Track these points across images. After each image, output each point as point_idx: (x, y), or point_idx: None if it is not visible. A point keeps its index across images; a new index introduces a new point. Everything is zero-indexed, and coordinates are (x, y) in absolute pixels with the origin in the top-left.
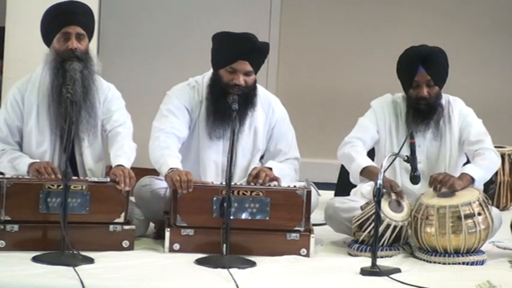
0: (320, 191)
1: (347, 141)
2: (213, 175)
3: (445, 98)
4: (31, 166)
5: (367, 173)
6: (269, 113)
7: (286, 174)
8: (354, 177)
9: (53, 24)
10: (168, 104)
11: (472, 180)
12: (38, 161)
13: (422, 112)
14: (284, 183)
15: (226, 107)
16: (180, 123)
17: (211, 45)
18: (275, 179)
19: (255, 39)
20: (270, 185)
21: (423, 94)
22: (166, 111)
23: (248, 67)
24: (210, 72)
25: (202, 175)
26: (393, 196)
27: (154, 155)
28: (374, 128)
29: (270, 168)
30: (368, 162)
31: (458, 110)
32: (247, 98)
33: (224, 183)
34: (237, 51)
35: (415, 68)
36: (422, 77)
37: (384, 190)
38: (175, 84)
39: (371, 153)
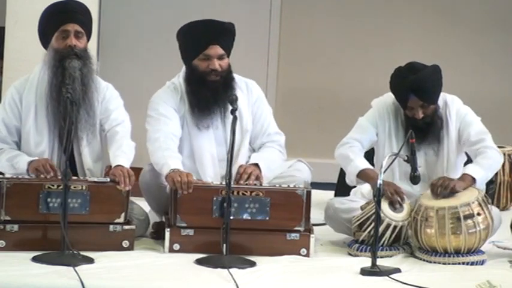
0: (320, 191)
1: (345, 141)
2: (210, 166)
3: (442, 98)
4: (30, 164)
5: (364, 176)
6: (248, 93)
7: (273, 159)
8: (350, 178)
9: (51, 23)
10: (157, 109)
11: (473, 180)
12: (36, 158)
13: (421, 129)
14: (277, 171)
15: (207, 96)
16: (173, 123)
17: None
18: (258, 177)
19: (221, 21)
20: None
21: (418, 117)
22: (158, 114)
23: (220, 50)
24: (183, 71)
25: (199, 168)
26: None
27: (156, 156)
28: (373, 130)
29: (256, 164)
30: (365, 164)
31: (455, 110)
32: (226, 82)
33: (224, 181)
34: (206, 36)
35: (406, 96)
36: (415, 103)
37: (387, 193)
38: None
39: (371, 153)
